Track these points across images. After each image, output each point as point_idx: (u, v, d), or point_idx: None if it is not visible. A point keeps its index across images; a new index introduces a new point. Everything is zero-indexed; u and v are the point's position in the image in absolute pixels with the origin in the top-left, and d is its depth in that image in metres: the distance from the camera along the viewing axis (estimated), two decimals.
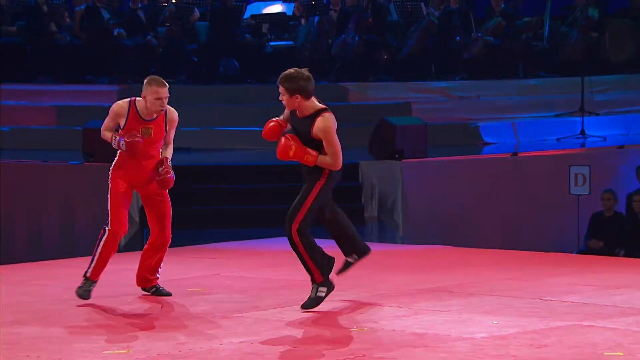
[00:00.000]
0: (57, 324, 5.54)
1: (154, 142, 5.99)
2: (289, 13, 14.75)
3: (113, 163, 6.06)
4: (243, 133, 12.38)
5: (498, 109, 13.43)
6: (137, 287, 6.28)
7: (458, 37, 14.17)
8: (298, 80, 5.64)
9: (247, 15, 14.64)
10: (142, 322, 5.61)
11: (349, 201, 10.59)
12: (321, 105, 5.76)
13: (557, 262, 7.73)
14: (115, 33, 13.65)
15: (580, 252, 10.01)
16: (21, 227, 10.25)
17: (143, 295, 6.23)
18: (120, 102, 6.04)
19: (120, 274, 7.12)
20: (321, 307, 5.89)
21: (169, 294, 6.20)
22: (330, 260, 5.87)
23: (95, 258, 6.05)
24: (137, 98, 5.98)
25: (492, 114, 13.25)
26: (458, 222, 10.58)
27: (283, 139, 5.73)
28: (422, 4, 14.42)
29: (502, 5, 14.23)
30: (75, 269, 6.94)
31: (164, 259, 6.24)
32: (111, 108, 6.03)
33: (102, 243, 6.02)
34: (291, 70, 5.73)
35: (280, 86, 5.72)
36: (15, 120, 12.67)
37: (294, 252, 5.82)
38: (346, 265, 6.09)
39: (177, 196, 10.10)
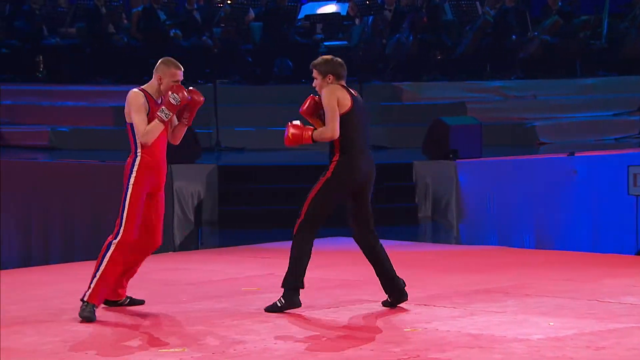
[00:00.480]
0: (110, 322, 5.61)
1: (167, 125, 5.64)
2: (343, 13, 14.75)
3: (136, 163, 5.62)
4: None
5: (555, 108, 13.28)
6: (190, 285, 6.28)
7: (514, 36, 14.03)
8: (330, 62, 5.79)
9: (301, 15, 14.68)
10: (197, 321, 5.65)
11: (403, 201, 10.56)
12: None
13: (615, 264, 7.62)
14: (172, 34, 13.78)
15: (638, 253, 9.85)
16: (78, 226, 10.40)
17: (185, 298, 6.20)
18: (134, 91, 5.65)
19: (176, 272, 7.18)
20: (375, 307, 5.87)
21: (142, 302, 5.88)
22: (301, 284, 5.70)
23: (98, 276, 5.53)
24: (141, 86, 5.69)
25: (549, 114, 13.10)
26: (513, 223, 10.49)
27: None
28: (478, 3, 14.31)
29: (560, 4, 14.07)
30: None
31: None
32: (132, 100, 5.59)
33: (107, 257, 5.53)
34: (324, 55, 5.86)
35: (313, 69, 5.81)
36: (74, 120, 12.87)
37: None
38: (385, 304, 5.89)
39: (232, 196, 10.18)
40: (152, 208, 5.73)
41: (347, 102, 5.71)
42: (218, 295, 6.33)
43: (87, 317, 5.56)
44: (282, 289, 5.74)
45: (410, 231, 10.15)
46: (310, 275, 7.10)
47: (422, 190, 10.60)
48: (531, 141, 12.46)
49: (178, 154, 10.03)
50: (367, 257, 5.89)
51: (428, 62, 13.97)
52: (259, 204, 10.51)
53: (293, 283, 5.70)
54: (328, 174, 5.73)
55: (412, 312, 5.78)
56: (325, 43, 14.08)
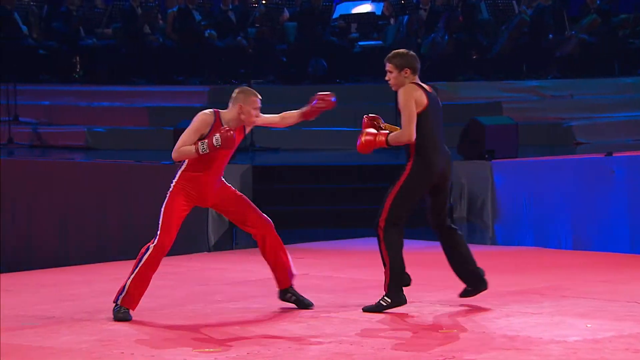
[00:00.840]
0: (145, 322, 5.63)
1: (232, 151, 5.75)
2: (378, 12, 14.71)
3: (180, 172, 5.72)
4: (332, 133, 12.40)
5: (592, 108, 13.14)
6: (225, 285, 6.31)
7: (551, 35, 13.91)
8: (407, 56, 5.79)
9: (336, 15, 14.67)
10: (232, 321, 5.66)
11: None
12: (420, 83, 5.79)
13: None
14: (207, 34, 13.84)
15: None
16: (114, 226, 10.47)
17: (237, 296, 6.23)
18: (206, 111, 5.74)
19: (211, 272, 7.21)
20: (408, 308, 5.85)
21: (311, 304, 5.84)
22: (406, 278, 5.76)
23: (131, 279, 5.59)
24: (221, 110, 5.76)
25: (586, 114, 12.97)
26: (549, 223, 10.40)
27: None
28: (514, 1, 14.21)
29: (598, 2, 13.92)
30: (167, 266, 7.03)
31: (286, 251, 5.85)
32: (197, 118, 5.70)
33: (143, 260, 5.59)
34: (398, 50, 5.83)
35: (388, 64, 5.78)
36: (110, 120, 12.96)
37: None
38: (465, 294, 5.91)
39: (265, 195, 10.18)
40: (229, 208, 5.77)
41: (423, 100, 5.72)
42: (253, 296, 6.34)
43: (122, 317, 5.62)
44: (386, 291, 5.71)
45: None
46: (343, 275, 7.10)
47: (458, 190, 10.54)
48: (568, 141, 12.34)
49: None
50: (443, 249, 5.89)
51: (464, 61, 13.89)
52: (293, 204, 10.52)
53: (396, 282, 5.69)
54: (405, 173, 5.72)
55: (447, 313, 5.75)
56: (360, 43, 14.05)
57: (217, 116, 5.73)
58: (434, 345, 5.06)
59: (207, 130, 5.68)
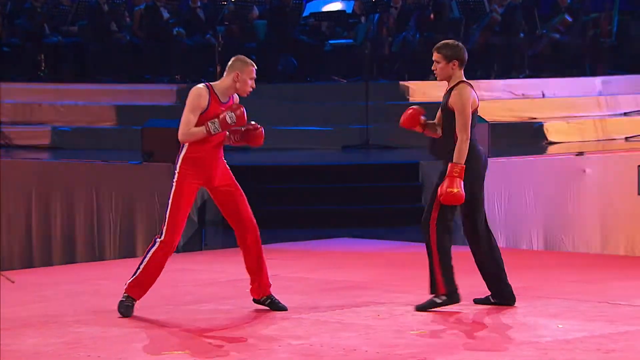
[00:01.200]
0: (117, 324, 5.61)
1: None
2: (349, 11, 14.73)
3: (181, 157, 5.60)
4: (302, 132, 12.40)
5: (563, 107, 13.25)
6: (194, 287, 6.30)
7: (522, 34, 14.01)
8: (456, 47, 5.79)
9: (306, 13, 14.67)
10: (201, 323, 5.65)
11: (409, 202, 10.55)
12: (464, 79, 5.81)
13: (626, 265, 7.61)
14: (175, 32, 13.79)
15: None
16: (80, 227, 10.41)
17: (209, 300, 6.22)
18: (197, 88, 5.61)
19: (180, 273, 7.18)
20: (380, 309, 5.87)
21: (285, 308, 5.80)
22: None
23: (139, 272, 5.64)
24: (210, 83, 5.68)
25: (557, 113, 13.07)
26: (521, 224, 10.47)
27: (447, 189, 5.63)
28: (485, 0, 14.29)
29: (569, 1, 14.04)
30: (134, 268, 7.00)
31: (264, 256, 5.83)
32: (192, 95, 5.56)
33: (149, 255, 5.61)
34: (447, 40, 5.85)
35: (436, 53, 5.78)
36: (76, 119, 12.88)
37: (427, 258, 5.73)
38: (485, 301, 5.88)
39: None
40: (226, 200, 5.69)
41: (475, 102, 5.76)
42: (223, 297, 6.33)
43: (123, 313, 5.65)
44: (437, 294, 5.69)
45: (416, 232, 10.11)
46: (315, 276, 7.11)
47: (429, 190, 10.57)
48: (539, 141, 12.43)
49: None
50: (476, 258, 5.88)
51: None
52: (263, 204, 10.50)
53: (450, 286, 5.68)
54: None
55: (419, 314, 5.77)
56: (331, 41, 14.07)
57: (210, 89, 5.64)
58: (405, 346, 5.08)
59: (206, 104, 5.58)
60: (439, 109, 5.89)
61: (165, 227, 5.61)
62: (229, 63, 5.71)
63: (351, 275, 7.11)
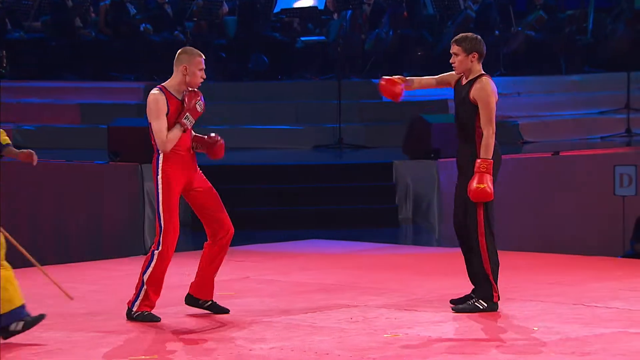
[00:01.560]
0: (83, 328, 5.59)
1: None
2: (321, 7, 14.76)
3: (160, 163, 5.62)
4: (273, 132, 12.41)
5: (539, 106, 13.34)
6: (163, 290, 6.28)
7: (497, 32, 14.10)
8: (475, 40, 5.85)
9: (277, 9, 14.68)
10: (169, 327, 5.64)
11: (383, 202, 10.59)
12: (483, 71, 5.89)
13: (601, 267, 7.67)
14: (142, 28, 13.74)
15: (625, 256, 9.92)
16: (46, 228, 10.36)
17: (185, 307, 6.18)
18: (152, 94, 5.63)
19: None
20: (353, 312, 5.89)
21: (227, 311, 5.83)
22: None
23: (145, 285, 5.64)
24: (162, 84, 5.70)
25: (533, 112, 13.17)
26: (496, 225, 10.53)
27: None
28: None
29: None
30: (101, 270, 6.99)
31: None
32: (151, 101, 5.59)
33: (150, 270, 5.62)
34: (465, 33, 5.94)
35: (455, 46, 5.84)
36: (40, 118, 12.79)
37: (467, 262, 5.77)
38: (461, 301, 5.96)
39: None
40: (206, 200, 5.72)
41: (496, 95, 5.84)
42: None
43: (152, 318, 5.64)
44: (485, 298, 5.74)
45: (390, 233, 10.18)
46: (286, 279, 7.11)
47: (403, 190, 10.63)
48: (514, 140, 12.51)
49: (148, 154, 10.06)
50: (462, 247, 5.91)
51: (408, 58, 14.00)
52: (233, 205, 10.49)
53: (491, 294, 5.76)
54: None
55: (393, 317, 5.80)
56: (302, 38, 14.08)
57: (164, 90, 5.67)
58: (378, 349, 5.10)
59: (165, 106, 5.61)
60: (456, 103, 5.89)
61: (161, 237, 5.64)
62: (176, 57, 5.72)
63: (323, 277, 7.12)
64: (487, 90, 5.76)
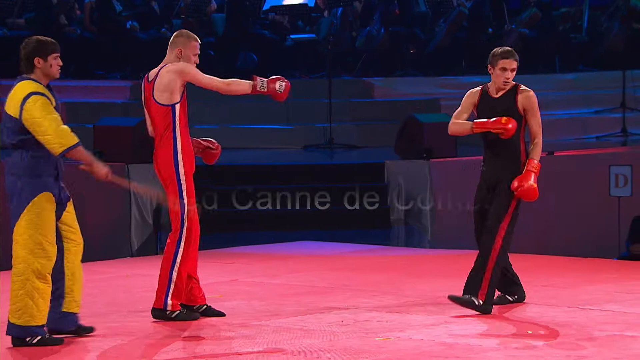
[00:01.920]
0: (67, 334, 5.58)
1: None
2: (311, 4, 14.77)
3: (179, 147, 5.61)
4: (262, 131, 12.41)
5: None
6: (149, 292, 6.28)
7: (490, 29, 14.14)
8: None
9: (266, 6, 14.69)
10: (155, 331, 5.64)
11: (375, 203, 10.60)
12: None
13: (596, 269, 7.70)
14: (128, 26, 13.73)
15: (621, 257, 9.95)
16: None
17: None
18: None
19: (133, 279, 7.16)
20: (344, 314, 5.90)
21: (223, 314, 5.81)
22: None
23: (174, 281, 5.59)
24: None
25: None
26: None
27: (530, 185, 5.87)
28: None
29: None
30: (87, 273, 6.93)
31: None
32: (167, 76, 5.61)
33: (179, 259, 5.54)
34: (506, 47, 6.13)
35: (514, 62, 6.06)
36: None
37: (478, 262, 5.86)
38: (500, 301, 6.13)
39: None
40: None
41: None
42: None
43: (194, 317, 5.64)
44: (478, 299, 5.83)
45: (382, 234, 10.20)
46: (275, 281, 7.12)
47: (395, 191, 10.65)
48: None
49: (135, 154, 10.04)
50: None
51: (400, 56, 14.03)
52: (221, 206, 10.52)
53: (489, 299, 5.87)
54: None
55: (385, 320, 5.81)
56: (292, 36, 14.10)
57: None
58: (370, 352, 5.12)
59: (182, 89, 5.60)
60: (489, 117, 5.98)
61: (185, 221, 5.53)
62: (171, 39, 5.72)
63: (314, 279, 7.13)
64: (534, 99, 6.06)
